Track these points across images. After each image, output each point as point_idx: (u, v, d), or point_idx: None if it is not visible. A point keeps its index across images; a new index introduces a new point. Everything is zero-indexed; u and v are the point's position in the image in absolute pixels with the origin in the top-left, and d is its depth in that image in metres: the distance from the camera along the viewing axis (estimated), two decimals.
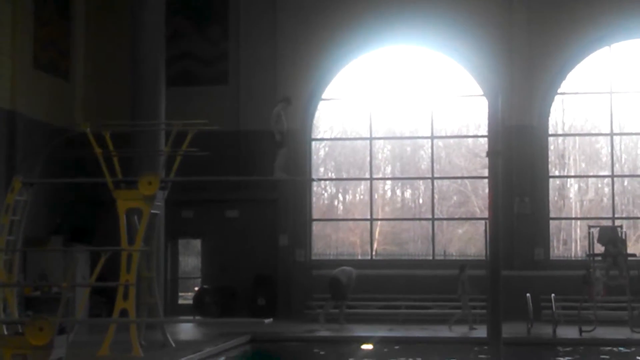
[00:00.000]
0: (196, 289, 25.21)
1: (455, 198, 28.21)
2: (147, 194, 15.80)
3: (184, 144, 16.72)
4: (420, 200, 28.04)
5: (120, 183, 16.38)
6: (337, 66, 25.34)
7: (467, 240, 27.31)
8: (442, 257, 25.32)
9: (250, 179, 23.23)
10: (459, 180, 27.70)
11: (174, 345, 16.51)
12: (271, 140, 23.48)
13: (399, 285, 23.62)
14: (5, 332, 13.35)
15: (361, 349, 18.26)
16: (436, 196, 26.14)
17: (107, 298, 19.91)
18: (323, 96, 25.65)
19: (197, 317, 23.52)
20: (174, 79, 24.26)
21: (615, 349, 18.02)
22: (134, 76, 21.73)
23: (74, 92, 24.82)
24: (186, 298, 25.95)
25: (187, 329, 21.25)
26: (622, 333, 19.36)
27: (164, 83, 21.71)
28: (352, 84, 25.79)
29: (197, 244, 26.09)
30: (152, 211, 16.29)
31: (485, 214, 18.13)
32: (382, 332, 20.15)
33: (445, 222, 27.22)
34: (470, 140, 27.40)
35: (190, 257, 27.38)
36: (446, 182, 27.34)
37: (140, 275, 16.22)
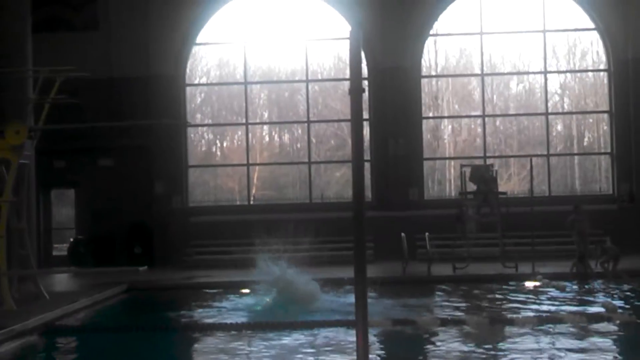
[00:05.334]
0: (71, 239, 24.75)
1: (332, 142, 28.38)
2: (15, 143, 15.39)
3: (52, 92, 16.24)
4: (298, 145, 28.11)
5: None
6: (211, 9, 24.96)
7: (345, 183, 27.57)
8: (319, 201, 25.54)
9: (122, 125, 22.76)
10: (336, 124, 27.85)
11: (47, 297, 16.20)
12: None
13: (278, 229, 23.63)
14: None
15: (241, 292, 18.24)
16: (313, 140, 26.24)
17: None
18: (197, 40, 25.27)
19: (72, 268, 23.13)
20: (42, 25, 23.36)
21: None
22: None
23: None
24: (62, 249, 25.48)
25: (62, 281, 20.88)
26: (493, 269, 19.94)
27: (30, 29, 20.93)
28: (227, 27, 25.46)
29: (70, 194, 25.58)
30: (21, 161, 15.84)
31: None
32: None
33: (322, 165, 27.41)
34: (346, 83, 27.44)
35: (65, 208, 26.85)
36: (323, 125, 27.46)
37: (10, 227, 15.83)
